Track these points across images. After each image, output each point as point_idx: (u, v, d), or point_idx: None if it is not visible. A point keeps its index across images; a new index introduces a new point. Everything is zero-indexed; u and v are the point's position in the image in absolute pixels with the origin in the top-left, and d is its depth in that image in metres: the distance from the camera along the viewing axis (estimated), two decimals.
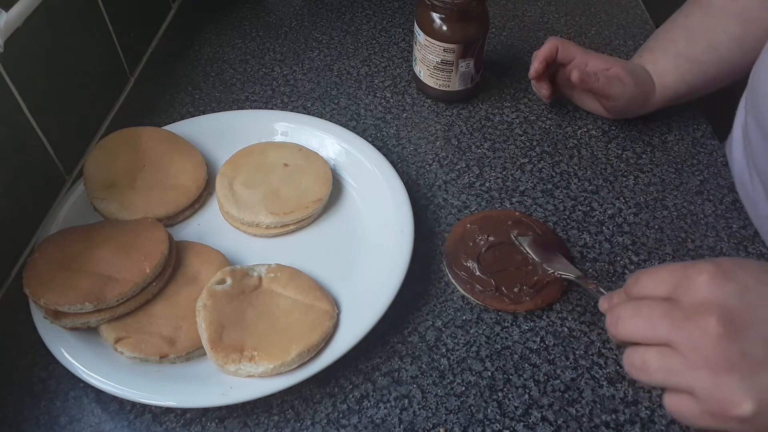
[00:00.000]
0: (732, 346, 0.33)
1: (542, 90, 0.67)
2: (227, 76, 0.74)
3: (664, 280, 0.38)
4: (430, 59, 0.67)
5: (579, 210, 0.60)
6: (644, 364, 0.37)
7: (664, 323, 0.36)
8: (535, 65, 0.64)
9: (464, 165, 0.64)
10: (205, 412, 0.46)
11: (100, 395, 0.46)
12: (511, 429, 0.45)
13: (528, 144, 0.66)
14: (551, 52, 0.64)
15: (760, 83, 0.58)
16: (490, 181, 0.62)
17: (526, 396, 0.47)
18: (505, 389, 0.47)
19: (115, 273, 0.47)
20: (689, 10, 0.67)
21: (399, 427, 0.45)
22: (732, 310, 0.34)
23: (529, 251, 0.53)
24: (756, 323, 0.33)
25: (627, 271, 0.55)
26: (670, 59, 0.64)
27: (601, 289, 0.48)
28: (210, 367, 0.46)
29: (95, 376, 0.44)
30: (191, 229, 0.57)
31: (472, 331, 0.51)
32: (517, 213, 0.58)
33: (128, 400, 0.45)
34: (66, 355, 0.45)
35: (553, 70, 0.67)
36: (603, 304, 0.45)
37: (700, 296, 0.35)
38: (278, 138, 0.63)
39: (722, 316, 0.33)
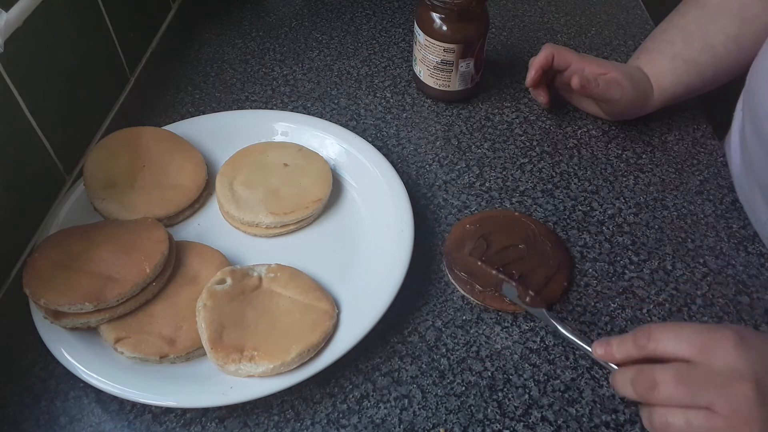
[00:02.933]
0: (763, 408, 0.37)
1: (540, 97, 0.67)
2: (227, 76, 0.74)
3: (688, 341, 0.40)
4: (430, 59, 0.67)
5: (579, 210, 0.60)
6: (689, 426, 0.39)
7: (707, 389, 0.38)
8: (531, 74, 0.64)
9: (464, 165, 0.64)
10: (205, 412, 0.46)
11: (100, 395, 0.46)
12: (511, 429, 0.45)
13: (528, 144, 0.66)
14: (547, 59, 0.64)
15: (757, 86, 0.58)
16: (490, 181, 0.62)
17: (526, 396, 0.47)
18: (505, 389, 0.47)
19: (115, 273, 0.47)
20: (685, 9, 0.67)
21: (399, 427, 0.45)
22: (760, 376, 0.37)
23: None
24: None
25: (627, 271, 0.55)
26: (667, 61, 0.64)
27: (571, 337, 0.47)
28: (210, 367, 0.46)
29: (95, 376, 0.44)
30: (191, 229, 0.57)
31: (472, 331, 0.51)
32: (516, 213, 0.58)
33: (128, 400, 0.45)
34: (66, 355, 0.45)
35: (550, 76, 0.67)
36: (598, 350, 0.44)
37: (730, 363, 0.38)
38: (278, 138, 0.63)
39: (755, 382, 0.37)
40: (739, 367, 0.38)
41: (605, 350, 0.44)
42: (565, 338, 0.48)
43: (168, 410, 0.46)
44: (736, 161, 0.64)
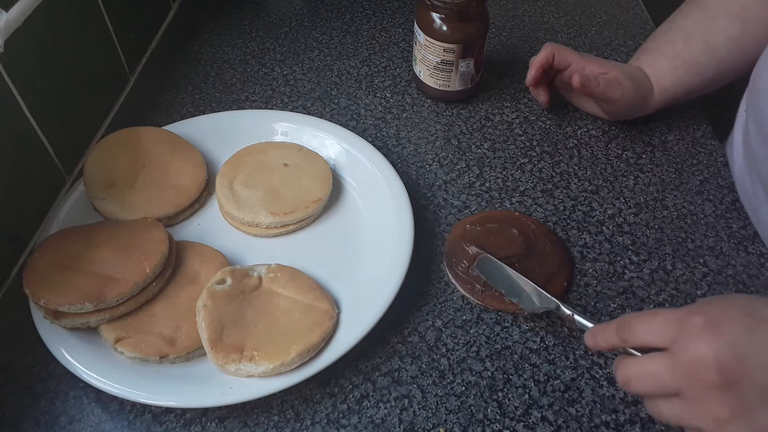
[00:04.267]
0: (730, 395, 0.37)
1: (540, 96, 0.67)
2: (227, 76, 0.74)
3: (660, 332, 0.41)
4: (430, 59, 0.67)
5: (579, 210, 0.60)
6: (660, 413, 0.41)
7: (671, 381, 0.39)
8: (532, 73, 0.64)
9: (464, 165, 0.64)
10: (205, 412, 0.46)
11: (100, 395, 0.46)
12: (511, 429, 0.45)
13: (528, 144, 0.66)
14: (548, 58, 0.64)
15: (762, 86, 0.58)
16: (490, 181, 0.62)
17: (526, 396, 0.47)
18: (505, 389, 0.47)
19: (115, 273, 0.47)
20: (687, 10, 0.67)
21: (399, 427, 0.45)
22: (727, 362, 0.37)
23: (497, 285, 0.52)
24: (747, 371, 0.37)
25: (627, 271, 0.55)
26: (668, 61, 0.64)
27: (580, 318, 0.47)
28: (210, 367, 0.46)
29: (95, 376, 0.44)
30: (191, 229, 0.57)
31: (472, 331, 0.51)
32: (516, 213, 0.58)
33: (128, 400, 0.45)
34: (66, 355, 0.45)
35: (551, 75, 0.67)
36: (589, 341, 0.45)
37: (697, 353, 0.38)
38: (278, 138, 0.63)
39: (719, 372, 0.37)
40: (704, 357, 0.38)
41: (594, 342, 0.45)
42: (580, 325, 0.48)
43: (168, 410, 0.46)
44: (739, 161, 0.64)
